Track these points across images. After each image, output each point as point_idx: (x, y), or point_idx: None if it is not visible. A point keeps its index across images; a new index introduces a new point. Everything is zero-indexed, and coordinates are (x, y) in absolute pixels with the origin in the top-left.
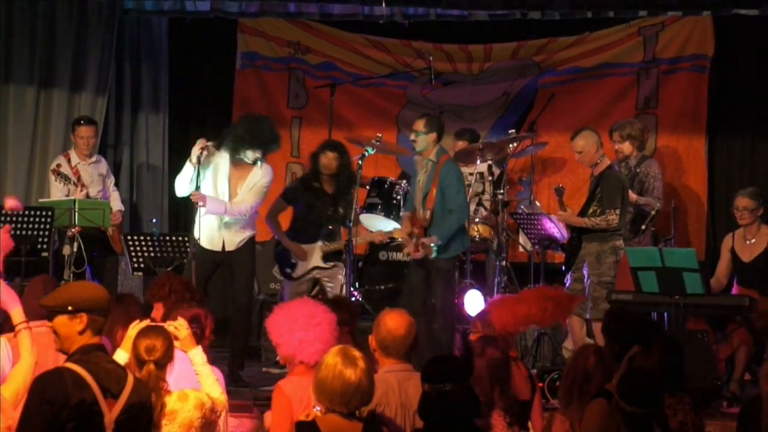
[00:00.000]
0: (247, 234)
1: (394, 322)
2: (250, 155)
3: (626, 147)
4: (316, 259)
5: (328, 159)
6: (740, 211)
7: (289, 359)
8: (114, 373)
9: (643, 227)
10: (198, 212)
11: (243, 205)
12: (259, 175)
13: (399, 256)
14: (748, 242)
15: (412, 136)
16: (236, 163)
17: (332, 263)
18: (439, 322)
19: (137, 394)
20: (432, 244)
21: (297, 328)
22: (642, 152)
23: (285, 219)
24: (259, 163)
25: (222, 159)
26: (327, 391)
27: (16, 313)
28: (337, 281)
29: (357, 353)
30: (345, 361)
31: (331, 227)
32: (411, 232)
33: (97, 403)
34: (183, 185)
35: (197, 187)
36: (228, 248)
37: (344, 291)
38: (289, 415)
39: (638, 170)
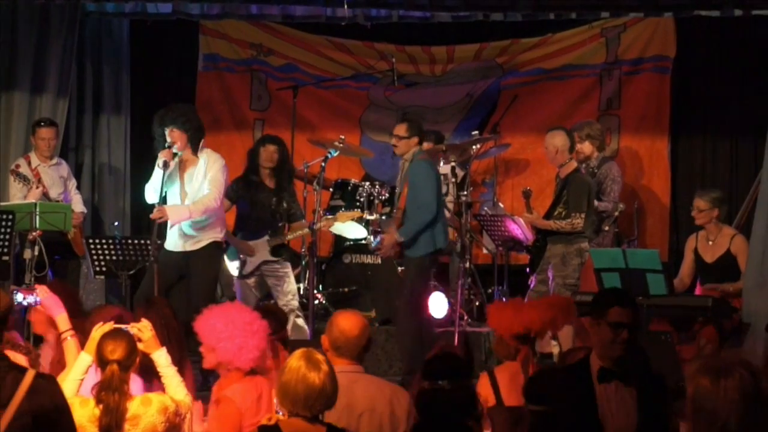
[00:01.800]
0: (209, 235)
1: (347, 322)
2: (163, 136)
3: (586, 147)
4: (263, 254)
5: (269, 152)
6: (695, 212)
7: (224, 365)
8: (4, 381)
9: (606, 228)
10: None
11: (203, 201)
12: (205, 165)
13: (363, 258)
14: (710, 243)
15: (394, 141)
16: (182, 161)
17: (280, 257)
18: (400, 322)
19: (35, 399)
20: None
21: (237, 333)
22: (602, 153)
23: (230, 218)
24: (201, 155)
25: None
26: (291, 395)
27: (62, 320)
28: (284, 282)
29: (320, 357)
30: (309, 365)
31: (278, 222)
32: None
33: None
34: (151, 193)
35: (161, 198)
36: (188, 248)
37: (288, 292)
38: (238, 424)
39: (597, 172)
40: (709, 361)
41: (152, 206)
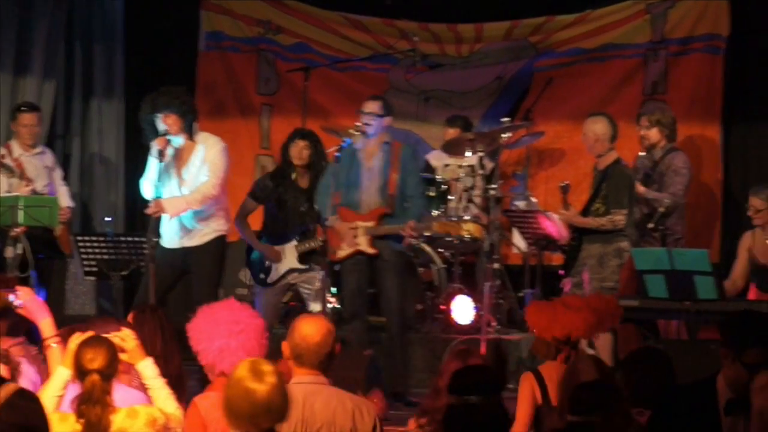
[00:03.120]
0: (212, 228)
1: (309, 327)
2: (152, 123)
3: (653, 134)
4: (290, 260)
5: (299, 148)
6: (751, 211)
7: (210, 369)
8: None
9: (651, 226)
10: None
11: (201, 189)
12: (203, 149)
13: None
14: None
15: (366, 119)
16: (177, 149)
17: (309, 264)
18: (392, 324)
19: (8, 414)
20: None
21: (218, 334)
22: (672, 143)
23: (256, 220)
24: (197, 138)
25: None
26: (235, 411)
27: (46, 326)
28: (314, 286)
29: (268, 367)
30: (253, 377)
31: (308, 225)
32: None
33: None
34: (150, 187)
35: (156, 192)
36: (189, 244)
37: (313, 297)
38: None
39: (660, 162)
40: None
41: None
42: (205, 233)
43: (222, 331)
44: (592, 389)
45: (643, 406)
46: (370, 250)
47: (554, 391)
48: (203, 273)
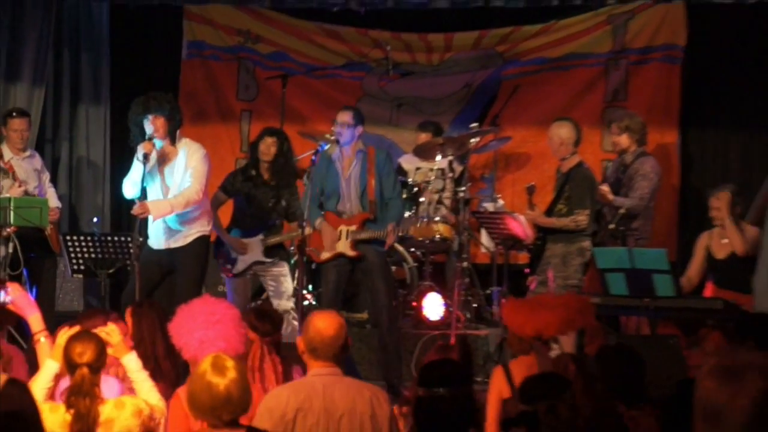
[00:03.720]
0: (196, 229)
1: (323, 322)
2: (140, 125)
3: (623, 140)
4: (256, 253)
5: (266, 145)
6: (712, 211)
7: (193, 362)
8: None
9: (612, 226)
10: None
11: (185, 194)
12: (185, 156)
13: None
14: (723, 240)
15: (338, 128)
16: (161, 153)
17: (273, 258)
18: (384, 320)
19: (3, 403)
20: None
21: (196, 327)
22: (641, 147)
23: (226, 213)
24: (180, 145)
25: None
26: (197, 404)
27: (35, 321)
28: (280, 282)
29: (230, 362)
30: (214, 371)
31: (275, 221)
32: (347, 230)
33: None
34: (130, 187)
35: (141, 192)
36: (174, 245)
37: (284, 293)
38: (186, 426)
39: (630, 167)
40: (720, 362)
41: (132, 202)
42: (188, 235)
43: (200, 323)
44: (538, 380)
45: (619, 399)
46: (351, 253)
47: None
48: (187, 272)
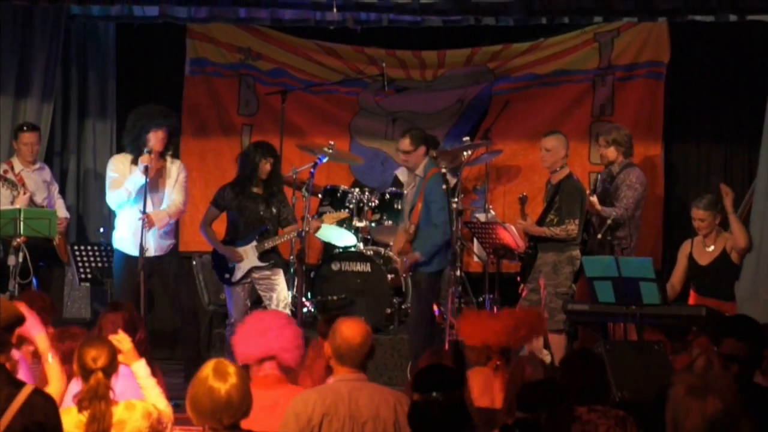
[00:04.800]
0: (171, 240)
1: (350, 330)
2: (139, 136)
3: (610, 152)
4: (252, 260)
5: (265, 164)
6: (696, 222)
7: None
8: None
9: (599, 237)
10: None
11: (177, 205)
12: (176, 172)
13: (352, 266)
14: (706, 249)
15: (402, 157)
16: (156, 167)
17: (269, 262)
18: (410, 334)
19: (28, 414)
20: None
21: (262, 338)
22: (628, 159)
23: (221, 226)
24: (172, 159)
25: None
26: (199, 408)
27: (41, 340)
28: (274, 289)
29: (231, 368)
30: (215, 376)
31: (267, 226)
32: (401, 250)
33: None
34: (124, 197)
35: (144, 204)
36: (156, 253)
37: (280, 301)
38: None
39: (617, 178)
40: (693, 376)
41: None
42: (170, 244)
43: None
44: (538, 388)
45: (582, 403)
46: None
47: (478, 394)
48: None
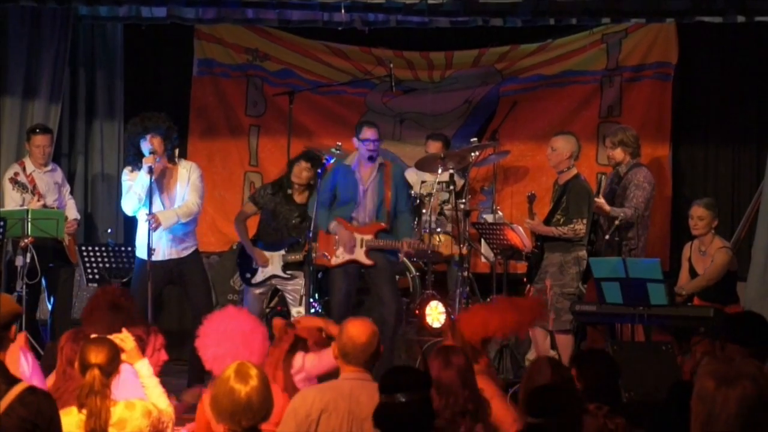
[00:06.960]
0: (192, 241)
1: (356, 329)
2: (136, 144)
3: (617, 153)
4: (276, 267)
5: (300, 168)
6: (694, 220)
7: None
8: None
9: (607, 237)
10: (149, 229)
11: (188, 205)
12: (188, 173)
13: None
14: (702, 254)
15: (371, 145)
16: (160, 170)
17: (291, 273)
18: (391, 324)
19: (19, 411)
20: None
21: (223, 339)
22: (635, 159)
23: (253, 224)
24: (183, 162)
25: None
26: (218, 408)
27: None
28: (298, 293)
29: (253, 370)
30: (237, 378)
31: (298, 238)
32: (362, 238)
33: None
34: (135, 202)
35: (149, 206)
36: (177, 255)
37: (303, 302)
38: (208, 428)
39: (624, 178)
40: (720, 366)
41: (134, 218)
42: (189, 246)
43: (227, 335)
44: (548, 392)
45: (597, 401)
46: (367, 261)
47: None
48: (198, 282)
